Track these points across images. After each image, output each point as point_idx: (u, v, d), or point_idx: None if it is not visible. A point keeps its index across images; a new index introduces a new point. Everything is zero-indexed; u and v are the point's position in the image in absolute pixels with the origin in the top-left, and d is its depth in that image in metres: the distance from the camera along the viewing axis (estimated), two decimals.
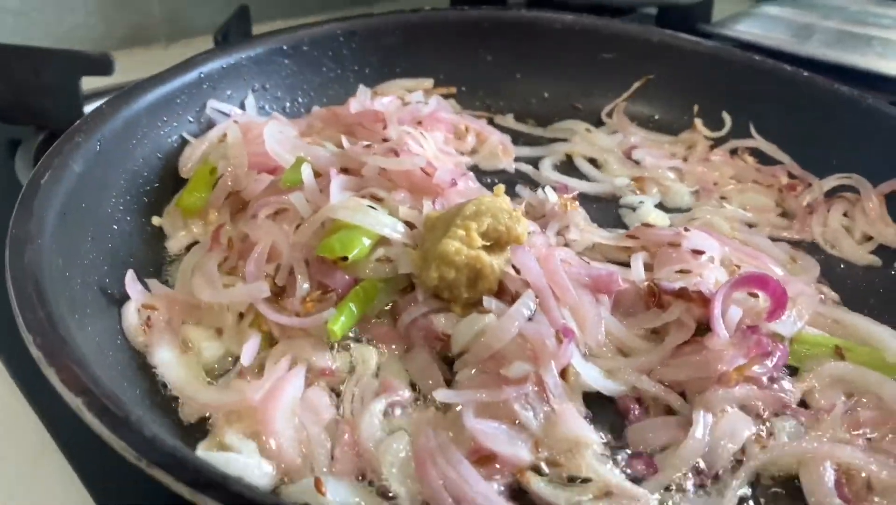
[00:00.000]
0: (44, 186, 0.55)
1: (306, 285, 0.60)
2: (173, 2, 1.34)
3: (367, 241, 0.60)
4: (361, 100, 0.82)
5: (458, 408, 0.52)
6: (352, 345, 0.59)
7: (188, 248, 0.68)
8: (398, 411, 0.54)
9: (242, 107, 0.79)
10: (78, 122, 0.63)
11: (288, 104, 0.85)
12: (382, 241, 0.62)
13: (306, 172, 0.66)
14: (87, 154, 0.61)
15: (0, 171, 0.94)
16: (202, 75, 0.75)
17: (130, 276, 0.59)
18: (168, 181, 0.71)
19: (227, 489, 0.34)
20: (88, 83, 0.96)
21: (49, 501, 0.53)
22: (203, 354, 0.58)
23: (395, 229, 0.62)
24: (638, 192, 0.82)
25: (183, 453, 0.37)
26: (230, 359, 0.58)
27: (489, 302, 0.58)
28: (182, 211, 0.70)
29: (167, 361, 0.56)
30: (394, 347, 0.60)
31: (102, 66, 0.98)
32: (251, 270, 0.60)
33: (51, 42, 1.23)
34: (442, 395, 0.52)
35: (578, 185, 0.82)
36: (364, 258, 0.60)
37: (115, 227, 0.63)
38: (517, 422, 0.52)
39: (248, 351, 0.56)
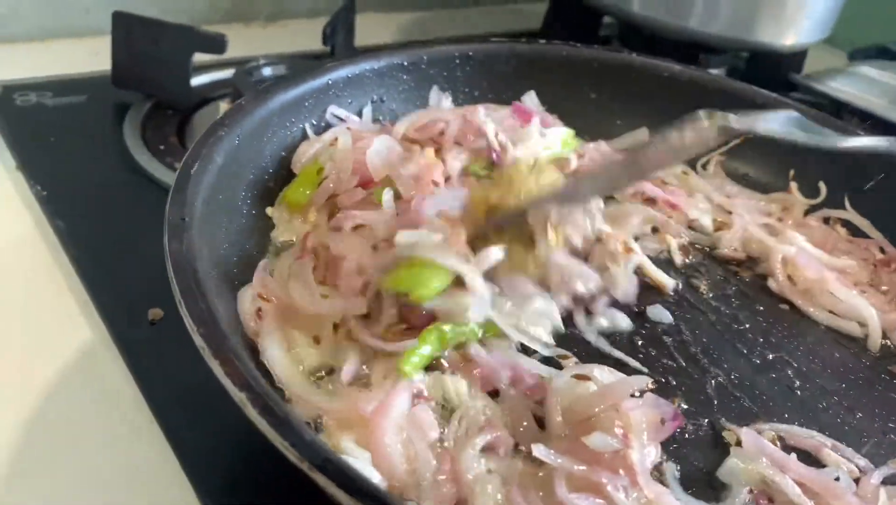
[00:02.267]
0: (194, 176, 0.58)
1: (393, 311, 0.59)
2: None
3: (438, 285, 0.57)
4: None
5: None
6: (443, 375, 0.57)
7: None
8: (499, 451, 0.53)
9: (360, 115, 0.82)
10: (220, 116, 0.66)
11: (400, 118, 0.88)
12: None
13: (386, 197, 0.67)
14: (228, 147, 0.64)
15: (108, 132, 0.98)
16: (330, 82, 0.79)
17: (263, 264, 0.62)
18: (289, 178, 0.74)
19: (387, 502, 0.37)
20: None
21: (143, 476, 0.55)
22: (303, 361, 0.58)
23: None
24: None
25: (338, 459, 0.39)
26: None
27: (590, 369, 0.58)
28: (287, 205, 0.72)
29: (275, 356, 0.57)
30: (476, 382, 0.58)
31: (216, 45, 1.02)
32: (346, 285, 0.60)
33: (157, 11, 1.27)
34: (540, 451, 0.50)
35: None
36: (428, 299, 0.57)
37: (243, 220, 0.67)
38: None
39: (348, 370, 0.56)
